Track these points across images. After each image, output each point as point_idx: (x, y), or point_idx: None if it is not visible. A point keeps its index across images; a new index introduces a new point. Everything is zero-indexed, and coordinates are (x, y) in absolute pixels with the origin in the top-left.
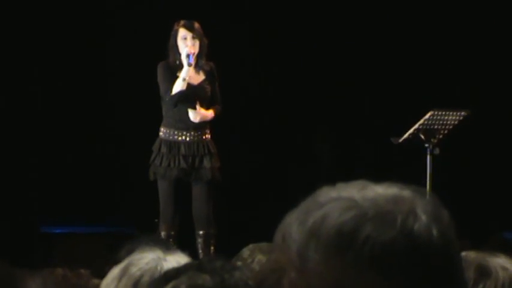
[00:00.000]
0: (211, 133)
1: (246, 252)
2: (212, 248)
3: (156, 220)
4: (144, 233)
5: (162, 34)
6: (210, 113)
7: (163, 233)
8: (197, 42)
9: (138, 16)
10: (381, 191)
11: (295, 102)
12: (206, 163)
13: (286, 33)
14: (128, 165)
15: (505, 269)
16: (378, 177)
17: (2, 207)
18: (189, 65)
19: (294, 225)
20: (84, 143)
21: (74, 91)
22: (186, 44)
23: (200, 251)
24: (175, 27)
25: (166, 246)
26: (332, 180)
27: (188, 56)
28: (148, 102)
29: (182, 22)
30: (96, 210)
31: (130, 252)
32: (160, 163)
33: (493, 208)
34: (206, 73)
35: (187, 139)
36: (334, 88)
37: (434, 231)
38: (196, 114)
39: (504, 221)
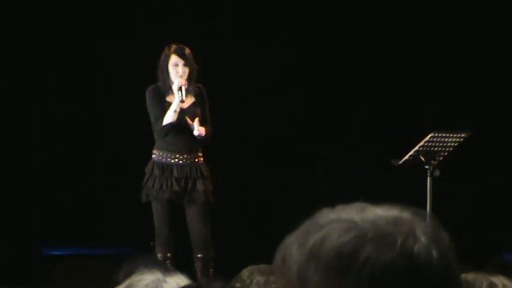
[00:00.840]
0: (204, 156)
1: (244, 273)
2: (211, 270)
3: (152, 243)
4: (143, 255)
5: (155, 52)
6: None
7: (159, 255)
8: (187, 70)
9: (135, 23)
10: (381, 212)
11: (294, 123)
12: (199, 186)
13: (285, 41)
14: (127, 187)
15: (492, 285)
16: (377, 199)
17: (2, 230)
18: (182, 101)
19: (293, 247)
20: (82, 166)
21: (67, 114)
22: (177, 70)
23: (199, 274)
24: (167, 51)
25: (166, 268)
26: (332, 201)
27: (180, 88)
28: (143, 124)
29: (174, 48)
30: (96, 232)
31: (128, 274)
32: (153, 185)
33: (494, 230)
34: (195, 96)
35: (180, 162)
36: (333, 108)
37: (434, 253)
38: (197, 128)
39: (504, 242)
